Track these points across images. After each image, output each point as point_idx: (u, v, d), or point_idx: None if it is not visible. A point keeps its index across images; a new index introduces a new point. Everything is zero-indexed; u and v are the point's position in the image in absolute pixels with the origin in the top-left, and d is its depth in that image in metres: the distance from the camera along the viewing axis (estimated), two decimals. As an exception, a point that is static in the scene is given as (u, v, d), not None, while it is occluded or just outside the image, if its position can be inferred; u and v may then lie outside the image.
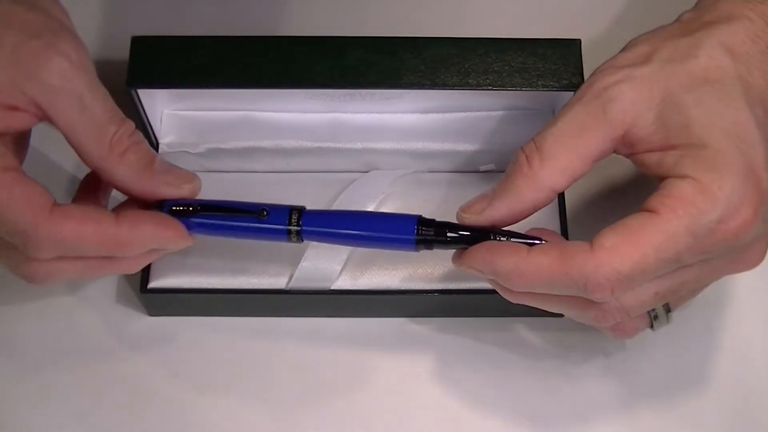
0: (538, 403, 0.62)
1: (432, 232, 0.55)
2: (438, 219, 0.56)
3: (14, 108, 0.53)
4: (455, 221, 0.56)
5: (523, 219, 0.55)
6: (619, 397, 0.63)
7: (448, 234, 0.55)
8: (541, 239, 0.54)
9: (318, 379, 0.63)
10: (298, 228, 0.56)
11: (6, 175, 0.52)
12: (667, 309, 0.56)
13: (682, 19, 0.56)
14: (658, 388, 0.63)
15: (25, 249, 0.53)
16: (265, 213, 0.56)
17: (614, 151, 0.55)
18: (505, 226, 0.55)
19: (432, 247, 0.56)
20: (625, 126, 0.53)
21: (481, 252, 0.54)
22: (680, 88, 0.53)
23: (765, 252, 0.55)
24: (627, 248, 0.51)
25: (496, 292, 0.61)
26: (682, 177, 0.51)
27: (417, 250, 0.56)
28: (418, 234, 0.55)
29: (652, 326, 0.57)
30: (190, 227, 0.56)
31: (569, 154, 0.54)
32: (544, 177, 0.54)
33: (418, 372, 0.63)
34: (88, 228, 0.53)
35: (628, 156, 0.55)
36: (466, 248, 0.55)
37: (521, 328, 0.64)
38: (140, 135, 0.56)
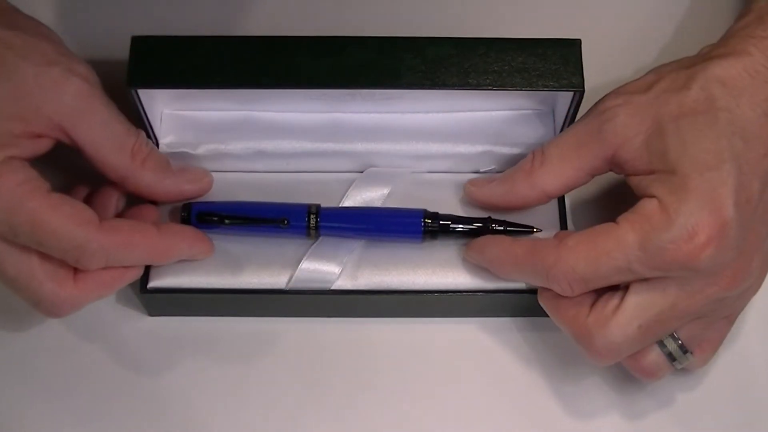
0: (538, 403, 0.62)
1: (436, 225, 0.61)
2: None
3: (40, 135, 0.57)
4: (456, 215, 0.62)
5: (513, 210, 0.62)
6: (618, 397, 0.63)
7: (450, 226, 0.62)
8: (533, 228, 0.62)
9: (318, 379, 0.63)
10: (316, 226, 0.62)
11: (52, 196, 0.56)
12: (684, 349, 0.58)
13: (700, 53, 0.59)
14: (658, 388, 0.63)
15: (78, 262, 0.56)
16: (286, 222, 0.61)
17: (610, 170, 0.59)
18: (498, 211, 0.62)
19: (436, 237, 0.62)
20: (614, 147, 0.57)
21: (477, 243, 0.61)
22: (668, 117, 0.56)
23: (740, 277, 0.56)
24: (583, 249, 0.56)
25: (495, 293, 0.62)
26: (650, 197, 0.55)
27: (423, 241, 0.62)
28: (424, 227, 0.61)
29: (674, 366, 0.59)
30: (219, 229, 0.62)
31: (565, 164, 0.59)
32: (538, 178, 0.59)
33: (418, 372, 0.63)
34: (136, 239, 0.58)
35: (624, 176, 0.58)
36: (467, 238, 0.62)
37: (522, 328, 0.64)
38: (151, 142, 0.60)
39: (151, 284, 0.62)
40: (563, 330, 0.59)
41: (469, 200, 0.63)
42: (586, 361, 0.59)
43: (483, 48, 0.60)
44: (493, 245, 0.60)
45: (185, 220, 0.62)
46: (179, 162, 0.63)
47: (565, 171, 0.59)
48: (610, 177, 0.61)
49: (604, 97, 0.59)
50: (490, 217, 0.62)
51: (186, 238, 0.60)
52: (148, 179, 0.60)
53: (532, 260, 0.58)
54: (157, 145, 0.64)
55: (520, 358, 0.63)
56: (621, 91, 0.59)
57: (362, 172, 0.65)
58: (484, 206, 0.63)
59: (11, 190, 0.54)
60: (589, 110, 0.59)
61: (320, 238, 0.63)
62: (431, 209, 0.62)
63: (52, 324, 0.64)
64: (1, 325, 0.64)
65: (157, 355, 0.63)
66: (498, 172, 0.65)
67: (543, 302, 0.60)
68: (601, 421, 0.62)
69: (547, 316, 0.61)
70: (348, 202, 0.64)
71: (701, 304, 0.56)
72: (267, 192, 0.64)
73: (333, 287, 0.62)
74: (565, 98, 0.62)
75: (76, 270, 0.58)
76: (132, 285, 0.64)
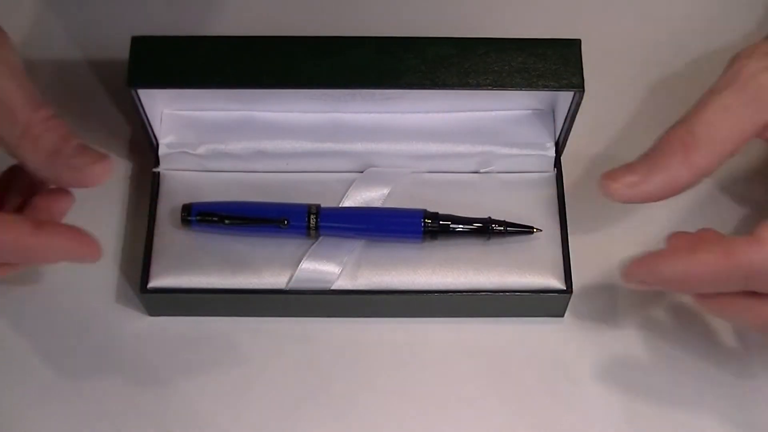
0: (538, 403, 0.62)
1: (436, 225, 0.62)
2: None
3: None
4: (456, 215, 0.62)
5: (669, 198, 0.57)
6: (618, 398, 0.63)
7: (450, 226, 0.62)
8: (533, 228, 0.61)
9: (318, 380, 0.63)
10: (316, 226, 0.62)
11: None
12: None
13: None
14: (658, 388, 0.63)
15: None
16: (286, 222, 0.61)
17: (757, 136, 0.56)
18: (650, 202, 0.57)
19: (436, 237, 0.62)
20: None
21: (643, 264, 0.55)
22: None
23: None
24: None
25: (495, 293, 0.61)
26: None
27: (423, 241, 0.62)
28: (424, 227, 0.61)
29: None
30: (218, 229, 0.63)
31: (720, 141, 0.55)
32: (699, 161, 0.55)
33: (418, 372, 0.63)
34: (6, 236, 0.53)
35: None
36: (467, 238, 0.62)
37: (522, 328, 0.64)
38: (60, 121, 0.55)
39: (151, 284, 0.62)
40: (742, 324, 0.55)
41: (615, 200, 0.57)
42: (755, 287, 0.54)
43: (483, 48, 0.60)
44: (671, 260, 0.54)
45: (185, 221, 0.62)
46: (178, 162, 0.63)
47: (724, 147, 0.55)
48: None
49: (737, 62, 0.56)
50: (490, 218, 0.62)
51: (66, 239, 0.54)
52: (31, 159, 0.54)
53: (733, 261, 0.52)
54: (157, 145, 0.64)
55: (520, 358, 0.63)
56: (761, 51, 0.55)
57: (362, 172, 0.65)
58: (637, 202, 0.58)
59: None
60: (727, 78, 0.56)
61: (320, 238, 0.63)
62: (431, 209, 0.62)
63: (51, 324, 0.64)
64: (0, 325, 0.64)
65: (157, 355, 0.63)
66: (497, 172, 0.65)
67: (706, 305, 0.56)
68: (600, 421, 0.62)
69: (548, 315, 0.61)
70: (348, 202, 0.64)
71: None
72: (267, 192, 0.64)
73: (333, 287, 0.62)
74: (565, 98, 0.62)
75: None
76: (132, 285, 0.64)
